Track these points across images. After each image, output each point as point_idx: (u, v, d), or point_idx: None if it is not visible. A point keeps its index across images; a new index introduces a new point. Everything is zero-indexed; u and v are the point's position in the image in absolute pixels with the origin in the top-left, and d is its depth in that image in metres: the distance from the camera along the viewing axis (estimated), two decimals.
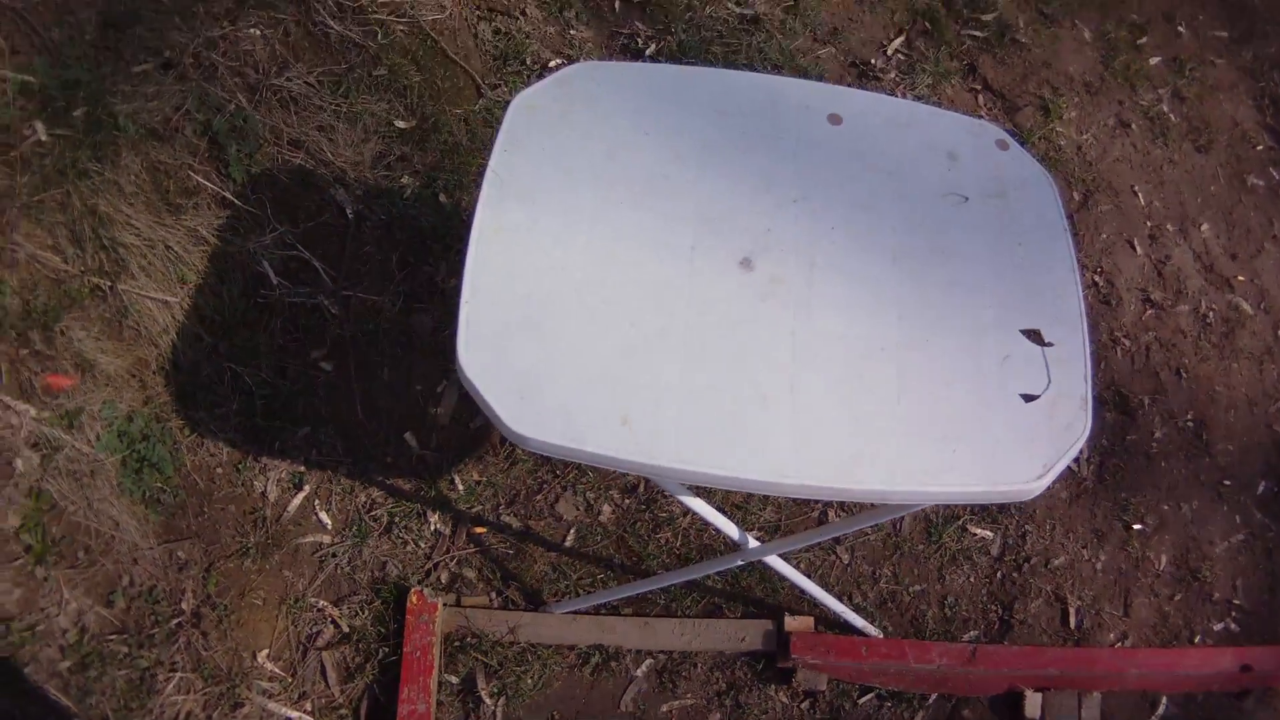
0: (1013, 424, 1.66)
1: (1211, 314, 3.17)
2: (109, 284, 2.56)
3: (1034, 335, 1.73)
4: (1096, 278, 3.17)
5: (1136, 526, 2.85)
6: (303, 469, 2.65)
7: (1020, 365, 1.71)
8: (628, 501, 2.73)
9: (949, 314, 1.75)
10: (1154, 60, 3.63)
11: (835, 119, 1.95)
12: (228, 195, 2.75)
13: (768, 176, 1.86)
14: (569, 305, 1.68)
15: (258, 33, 2.88)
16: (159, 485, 2.53)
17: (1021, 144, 1.99)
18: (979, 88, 3.47)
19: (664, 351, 1.66)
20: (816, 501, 2.75)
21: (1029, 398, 1.68)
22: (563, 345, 1.65)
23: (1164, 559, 2.83)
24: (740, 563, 2.34)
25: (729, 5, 3.41)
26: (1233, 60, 3.70)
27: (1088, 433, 1.67)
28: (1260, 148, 3.52)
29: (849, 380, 1.66)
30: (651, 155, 1.86)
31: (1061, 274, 1.83)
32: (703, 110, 1.93)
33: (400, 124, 3.00)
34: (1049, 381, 1.69)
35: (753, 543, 2.21)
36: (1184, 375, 3.07)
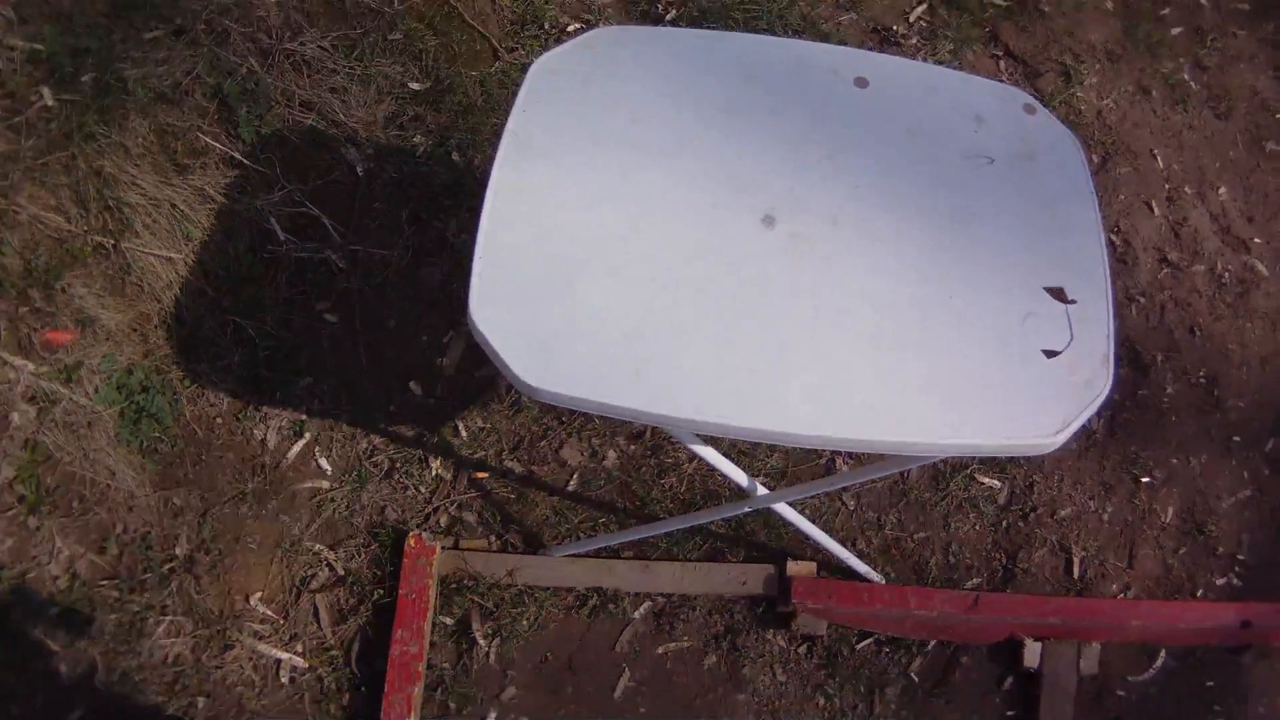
0: (1033, 379, 1.63)
1: (1227, 274, 3.14)
2: (112, 242, 2.57)
3: (1057, 292, 1.71)
4: (1114, 237, 3.14)
5: (1145, 479, 2.82)
6: (304, 417, 2.65)
7: (1043, 322, 1.68)
8: (633, 448, 2.71)
9: (972, 272, 1.72)
10: (1175, 30, 3.59)
11: (862, 82, 1.92)
12: (236, 155, 2.76)
13: (793, 138, 1.84)
14: (583, 259, 1.67)
15: None
16: (157, 435, 2.54)
17: (1045, 108, 1.96)
18: (1000, 54, 3.44)
19: (678, 303, 1.64)
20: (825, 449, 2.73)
21: (1051, 353, 1.65)
22: (575, 297, 1.64)
23: (1170, 512, 2.80)
24: (747, 509, 2.32)
25: None
26: (1253, 32, 3.65)
27: (1108, 390, 1.64)
28: (1279, 115, 3.48)
29: (868, 333, 1.64)
30: (676, 119, 1.84)
31: (1087, 236, 1.79)
32: (728, 74, 1.91)
33: (414, 85, 2.99)
34: (1071, 338, 1.67)
35: (760, 490, 2.19)
36: (1198, 333, 3.04)
